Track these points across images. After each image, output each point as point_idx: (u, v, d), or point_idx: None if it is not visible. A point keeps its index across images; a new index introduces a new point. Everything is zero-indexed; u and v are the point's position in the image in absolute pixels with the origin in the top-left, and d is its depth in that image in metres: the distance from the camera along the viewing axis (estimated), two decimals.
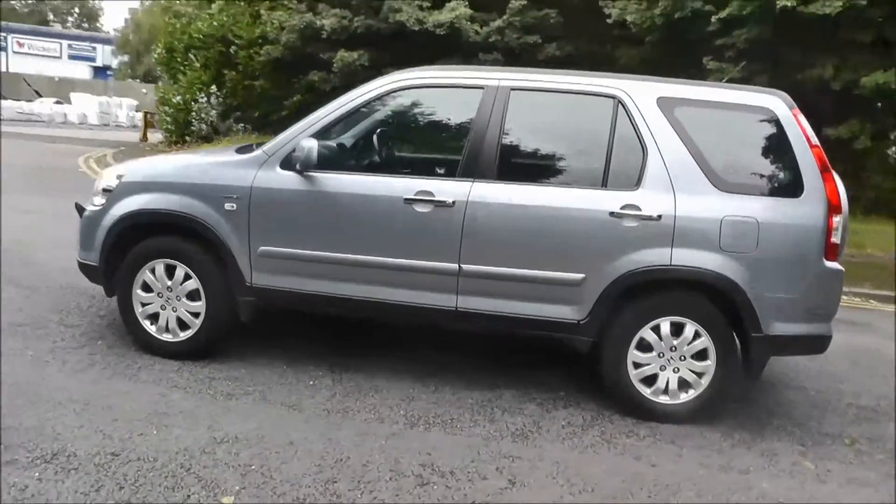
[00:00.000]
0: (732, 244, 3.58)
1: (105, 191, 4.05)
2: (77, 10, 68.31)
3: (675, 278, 3.65)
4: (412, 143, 4.31)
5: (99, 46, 55.91)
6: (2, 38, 47.37)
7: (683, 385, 3.74)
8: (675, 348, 3.70)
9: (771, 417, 4.01)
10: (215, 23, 18.70)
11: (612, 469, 3.25)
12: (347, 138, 4.23)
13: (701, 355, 3.70)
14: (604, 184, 3.70)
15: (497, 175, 3.73)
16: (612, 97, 3.73)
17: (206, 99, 18.66)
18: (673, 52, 13.13)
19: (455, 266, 3.72)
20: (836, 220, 3.63)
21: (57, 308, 4.76)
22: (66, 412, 3.33)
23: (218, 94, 18.77)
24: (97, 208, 4.05)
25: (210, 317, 3.97)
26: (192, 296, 3.97)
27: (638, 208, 3.60)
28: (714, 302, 3.66)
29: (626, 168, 3.68)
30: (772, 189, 3.70)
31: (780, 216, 3.60)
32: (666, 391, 3.75)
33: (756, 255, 3.59)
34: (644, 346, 3.72)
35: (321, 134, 3.84)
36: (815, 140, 3.68)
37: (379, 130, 4.20)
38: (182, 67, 19.51)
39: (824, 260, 3.63)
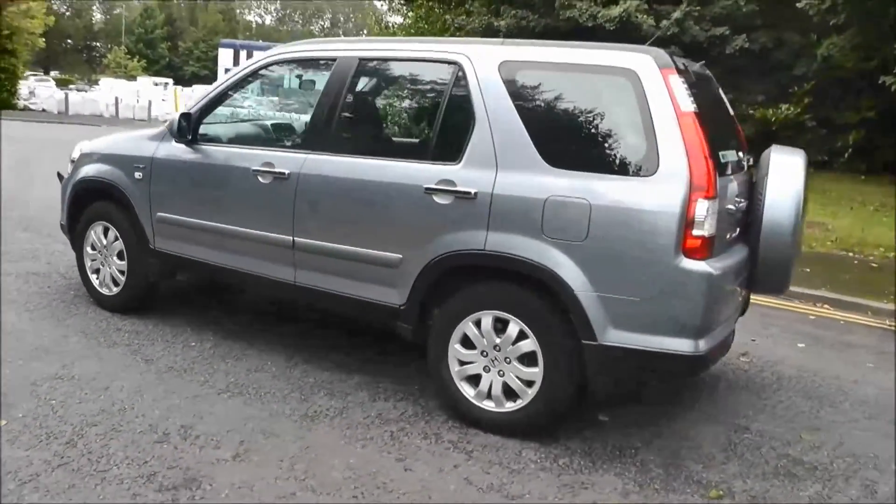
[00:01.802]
0: (557, 230, 2.97)
1: (72, 161, 4.76)
2: None
3: (492, 266, 3.14)
4: (277, 114, 4.28)
5: None
6: None
7: (510, 392, 3.20)
8: (499, 348, 3.17)
9: (624, 450, 3.24)
10: (413, 32, 20.02)
11: (358, 465, 2.93)
12: (228, 111, 4.34)
13: (530, 360, 3.13)
14: (428, 157, 3.32)
15: (331, 147, 3.56)
16: (454, 63, 3.32)
17: None
18: (882, 37, 10.76)
19: (290, 239, 3.65)
20: (701, 206, 2.80)
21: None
22: None
23: None
24: (66, 177, 4.78)
25: (132, 274, 4.42)
26: (121, 255, 4.47)
27: (453, 184, 3.17)
28: (542, 298, 3.07)
29: (452, 140, 3.26)
30: (616, 166, 2.98)
31: (621, 199, 2.89)
32: (490, 396, 3.24)
33: (587, 244, 2.93)
34: (468, 342, 3.26)
35: (207, 107, 4.04)
36: (688, 107, 2.87)
37: (251, 103, 4.28)
38: None
39: (681, 256, 2.82)
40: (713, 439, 3.41)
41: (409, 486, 2.81)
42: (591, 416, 3.52)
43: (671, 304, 2.87)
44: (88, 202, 4.57)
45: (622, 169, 2.95)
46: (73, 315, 4.49)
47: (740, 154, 3.48)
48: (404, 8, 22.29)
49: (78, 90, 33.99)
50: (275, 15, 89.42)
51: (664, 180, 2.83)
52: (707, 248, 2.84)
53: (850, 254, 8.38)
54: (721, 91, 3.90)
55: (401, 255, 3.33)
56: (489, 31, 16.59)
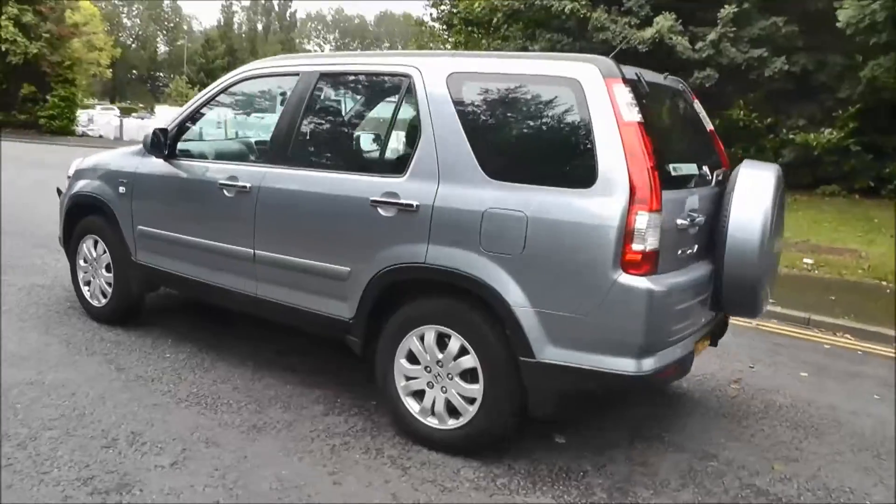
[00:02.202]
0: (494, 243, 2.90)
1: (68, 178, 4.96)
2: None
3: (432, 280, 3.08)
4: (245, 130, 4.33)
5: None
6: None
7: (453, 409, 3.11)
8: (442, 364, 3.10)
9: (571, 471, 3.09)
10: None
11: (290, 477, 2.90)
12: (200, 127, 4.41)
13: (471, 376, 3.04)
14: (377, 170, 3.31)
15: (289, 160, 3.59)
16: (405, 75, 3.32)
17: None
18: None
19: (251, 252, 3.68)
20: (642, 219, 2.69)
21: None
22: None
23: None
24: (63, 193, 4.97)
25: (118, 286, 4.54)
26: (108, 268, 4.60)
27: (396, 196, 3.15)
28: (481, 313, 2.99)
29: (400, 152, 3.25)
30: (556, 177, 2.88)
31: (558, 211, 2.80)
32: (434, 412, 3.16)
33: (524, 258, 2.85)
34: (413, 357, 3.20)
35: (183, 123, 4.14)
36: (631, 117, 2.77)
37: (220, 119, 4.35)
38: None
39: (620, 271, 2.71)
40: (672, 466, 3.23)
41: (331, 500, 2.75)
42: (547, 436, 3.40)
43: (610, 321, 2.75)
44: (81, 216, 4.73)
45: (561, 181, 2.86)
46: (62, 325, 4.63)
47: (705, 168, 3.34)
48: (445, 34, 22.62)
49: (138, 118, 35.72)
50: (333, 45, 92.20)
51: (603, 192, 2.74)
52: (649, 264, 2.72)
53: (883, 283, 7.92)
54: (696, 104, 3.77)
55: (349, 268, 3.31)
56: None
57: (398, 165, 3.23)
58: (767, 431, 3.74)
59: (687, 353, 3.04)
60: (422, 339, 3.15)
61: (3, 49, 20.80)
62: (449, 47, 21.27)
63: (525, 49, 16.34)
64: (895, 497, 3.11)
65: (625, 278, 2.70)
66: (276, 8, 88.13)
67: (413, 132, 3.22)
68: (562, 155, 2.95)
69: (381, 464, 3.06)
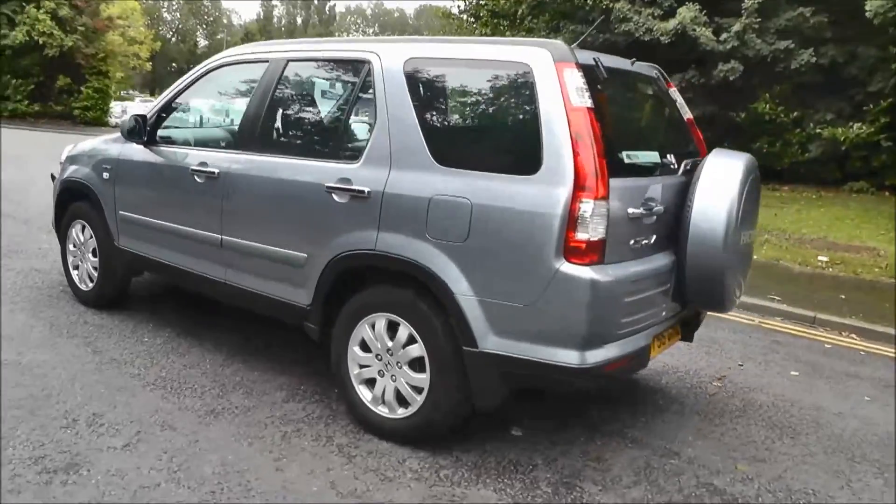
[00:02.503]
0: (440, 231, 2.86)
1: (61, 163, 5.05)
2: None
3: (382, 268, 3.05)
4: (219, 117, 4.34)
5: None
6: None
7: (402, 398, 3.08)
8: (392, 352, 3.07)
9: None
10: None
11: (234, 462, 2.90)
12: (182, 114, 4.44)
13: (420, 365, 3.01)
14: (335, 156, 3.28)
15: (255, 147, 3.59)
16: (365, 61, 3.29)
17: None
18: None
19: (219, 237, 3.70)
20: (587, 207, 2.61)
21: None
22: None
23: None
24: (56, 178, 5.08)
25: (103, 271, 4.61)
26: (95, 253, 4.67)
27: (350, 182, 3.12)
28: (428, 301, 2.95)
29: (357, 138, 3.23)
30: (502, 164, 2.82)
31: (502, 198, 2.74)
32: (384, 401, 3.13)
33: (468, 246, 2.79)
34: (365, 345, 3.18)
35: (162, 110, 4.18)
36: (580, 103, 2.69)
37: (197, 106, 4.37)
38: None
39: (563, 261, 2.64)
40: (629, 462, 3.15)
41: (270, 486, 2.75)
42: (505, 428, 3.35)
43: (553, 312, 2.68)
44: (70, 202, 4.82)
45: (507, 167, 2.80)
46: (50, 308, 4.73)
47: (669, 156, 3.23)
48: (473, 26, 22.47)
49: None
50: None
51: (547, 179, 2.67)
52: (594, 253, 2.65)
53: None
54: (672, 91, 3.66)
55: (306, 255, 3.30)
56: None
57: (354, 152, 3.21)
58: (740, 431, 3.63)
59: (641, 346, 2.94)
60: (373, 327, 3.12)
61: (41, 42, 21.43)
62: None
63: None
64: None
65: (567, 267, 2.63)
66: (316, 2, 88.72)
67: (370, 118, 3.19)
68: (509, 141, 2.89)
69: (329, 452, 3.05)
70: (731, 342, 5.24)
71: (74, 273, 4.87)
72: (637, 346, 2.90)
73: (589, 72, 2.83)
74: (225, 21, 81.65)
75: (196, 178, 3.79)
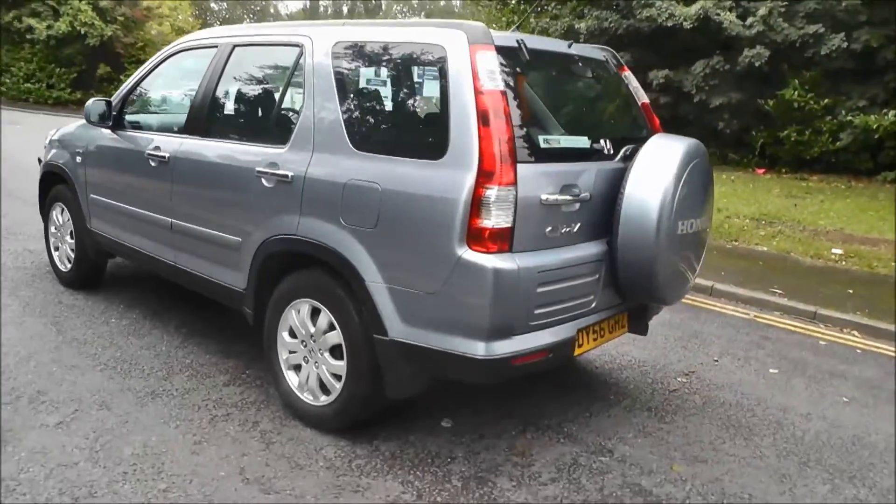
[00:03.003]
0: (353, 216, 2.81)
1: (44, 147, 5.17)
2: None
3: (304, 253, 3.02)
4: (175, 102, 4.34)
5: None
6: None
7: (324, 386, 3.06)
8: (315, 338, 3.05)
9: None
10: None
11: (155, 444, 2.93)
12: (141, 98, 4.41)
13: (339, 353, 2.97)
14: (268, 140, 3.26)
15: (201, 131, 3.61)
16: (298, 45, 3.25)
17: None
18: None
19: (169, 221, 3.73)
20: (491, 192, 2.52)
21: None
22: None
23: None
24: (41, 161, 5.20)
25: (78, 252, 4.71)
26: (72, 235, 4.79)
27: (276, 166, 3.09)
28: (344, 288, 2.90)
29: (286, 122, 3.19)
30: (411, 148, 2.75)
31: (408, 183, 2.68)
32: (308, 388, 3.12)
33: (377, 231, 2.74)
34: (292, 331, 3.16)
35: (127, 95, 4.23)
36: (491, 86, 2.58)
37: (155, 91, 4.36)
38: None
39: (466, 248, 2.56)
40: (555, 458, 3.06)
41: (180, 470, 2.76)
42: (438, 418, 3.30)
43: (457, 300, 2.60)
44: (51, 185, 4.95)
45: (416, 151, 2.73)
46: (30, 288, 4.86)
47: (603, 142, 3.09)
48: (499, 13, 22.20)
49: None
50: None
51: (452, 164, 2.59)
52: (500, 241, 2.56)
53: None
54: (625, 75, 3.50)
55: (240, 239, 3.30)
56: (570, 34, 16.19)
57: (284, 136, 3.18)
58: (689, 430, 3.48)
59: (562, 338, 2.83)
60: (299, 312, 3.10)
61: (83, 32, 22.07)
62: (499, 27, 20.86)
63: (571, 28, 15.83)
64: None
65: (470, 255, 2.55)
66: None
67: (298, 101, 3.16)
68: (419, 125, 2.82)
69: (250, 437, 3.05)
70: (716, 336, 5.05)
71: (55, 254, 5.00)
72: (557, 339, 2.79)
73: (509, 54, 2.73)
74: (272, 11, 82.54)
75: (150, 161, 3.83)
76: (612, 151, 3.08)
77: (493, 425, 3.30)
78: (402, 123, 2.89)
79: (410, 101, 2.89)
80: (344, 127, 2.91)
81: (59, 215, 4.87)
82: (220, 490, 2.65)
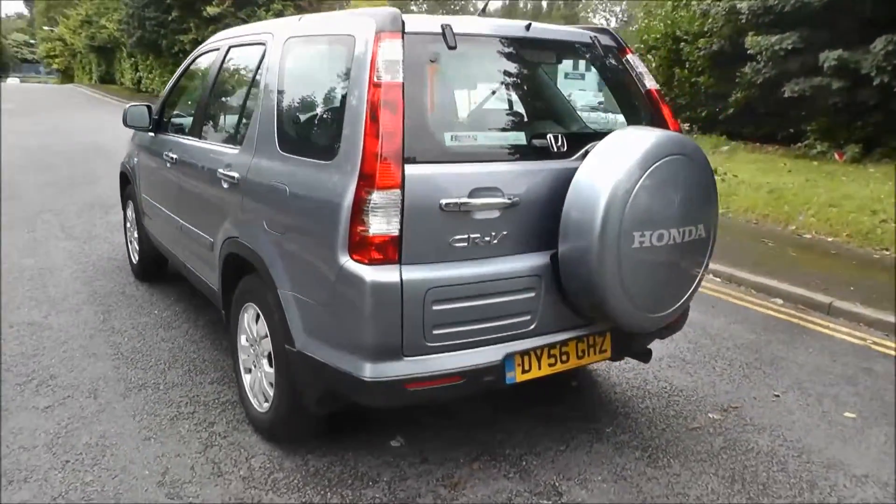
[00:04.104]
0: (271, 220, 2.71)
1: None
2: None
3: (244, 256, 2.95)
4: (187, 105, 4.40)
5: None
6: None
7: (265, 392, 2.98)
8: (258, 342, 2.98)
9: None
10: (668, 20, 18.61)
11: (110, 436, 3.04)
12: (171, 102, 4.52)
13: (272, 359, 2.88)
14: (232, 141, 3.25)
15: (197, 132, 3.70)
16: (263, 43, 3.19)
17: None
18: None
19: (179, 221, 3.88)
20: (374, 197, 2.27)
21: None
22: None
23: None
24: None
25: (141, 245, 5.08)
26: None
27: (230, 168, 3.06)
28: (273, 293, 2.78)
29: (244, 122, 3.16)
30: (314, 148, 2.60)
31: (307, 186, 2.52)
32: (254, 393, 3.06)
33: (287, 237, 2.62)
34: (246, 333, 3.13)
35: (166, 98, 4.46)
36: (387, 77, 2.32)
37: (177, 94, 4.46)
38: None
39: (347, 257, 2.33)
40: (489, 495, 2.71)
41: (114, 464, 2.83)
42: (391, 436, 3.09)
43: (342, 314, 2.39)
44: (126, 184, 5.42)
45: (315, 152, 2.57)
46: (106, 277, 5.33)
47: (550, 137, 2.64)
48: None
49: None
50: (620, 17, 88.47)
51: (341, 165, 2.38)
52: (385, 250, 2.29)
53: None
54: (630, 57, 3.02)
55: (212, 239, 3.34)
56: (731, 15, 14.77)
57: (240, 137, 3.15)
58: (680, 480, 2.92)
59: (481, 363, 2.47)
60: (247, 316, 3.06)
61: None
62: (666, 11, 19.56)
63: (733, 9, 14.36)
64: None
65: (351, 265, 2.32)
66: None
67: (253, 102, 3.11)
68: (322, 123, 2.64)
69: (196, 438, 3.06)
70: (798, 365, 4.21)
71: (130, 248, 5.47)
72: (472, 363, 2.46)
73: (427, 42, 2.44)
74: (472, 9, 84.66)
75: (168, 164, 4.02)
76: (564, 149, 2.64)
77: (446, 450, 3.02)
78: (310, 122, 2.74)
79: (320, 99, 2.72)
80: (276, 127, 2.81)
81: (131, 211, 5.31)
82: (132, 490, 2.68)
